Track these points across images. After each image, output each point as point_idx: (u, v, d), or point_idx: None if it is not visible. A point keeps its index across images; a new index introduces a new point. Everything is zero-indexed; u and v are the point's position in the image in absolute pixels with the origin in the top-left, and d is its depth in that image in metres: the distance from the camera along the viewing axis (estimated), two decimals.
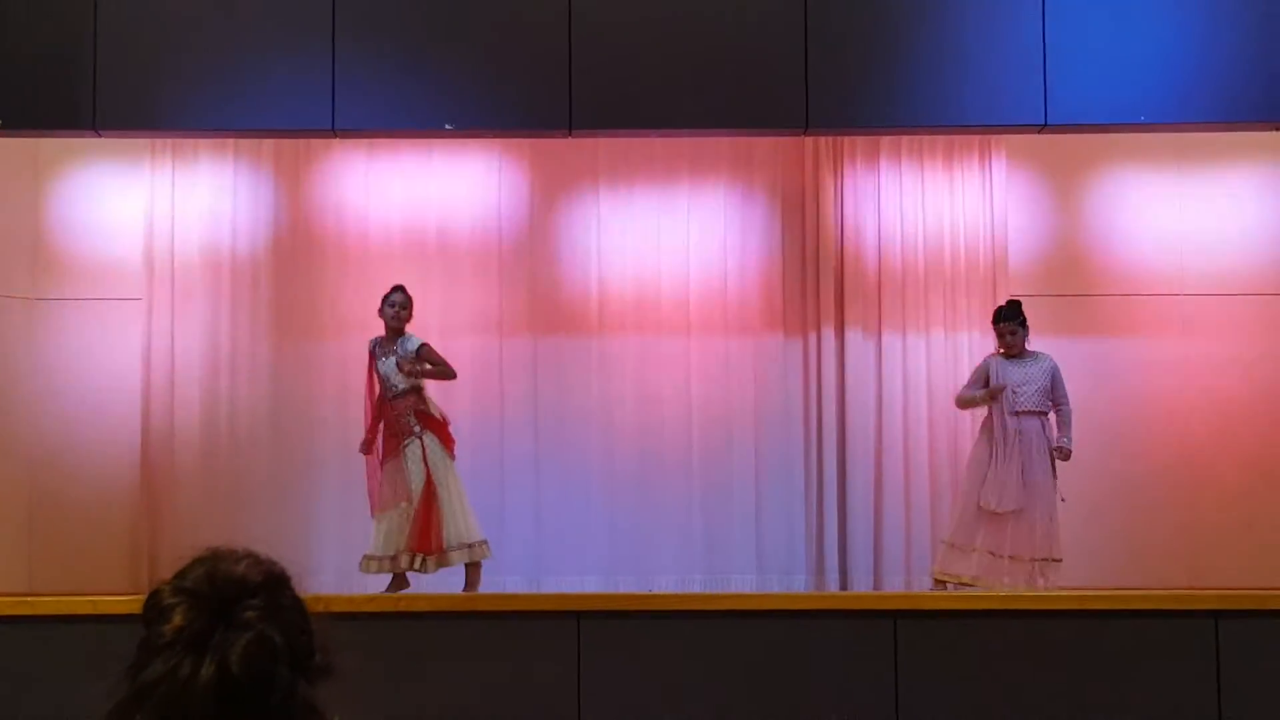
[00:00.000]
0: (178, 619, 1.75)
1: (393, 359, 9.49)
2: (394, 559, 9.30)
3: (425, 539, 9.32)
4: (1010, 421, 9.58)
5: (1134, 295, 11.05)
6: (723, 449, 10.97)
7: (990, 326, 9.98)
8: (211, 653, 1.73)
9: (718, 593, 10.19)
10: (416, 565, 9.32)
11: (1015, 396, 9.59)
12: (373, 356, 9.58)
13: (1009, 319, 9.72)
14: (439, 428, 9.50)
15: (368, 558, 9.38)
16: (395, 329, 9.56)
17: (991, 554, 9.48)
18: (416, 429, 9.42)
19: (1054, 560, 9.50)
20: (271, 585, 1.80)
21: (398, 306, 9.57)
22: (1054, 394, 9.66)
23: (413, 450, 9.39)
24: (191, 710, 1.71)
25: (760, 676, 8.06)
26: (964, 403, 9.93)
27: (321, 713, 1.79)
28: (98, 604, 7.93)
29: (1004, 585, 9.33)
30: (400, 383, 9.46)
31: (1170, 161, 10.97)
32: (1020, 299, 10.00)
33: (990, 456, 9.61)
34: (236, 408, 10.95)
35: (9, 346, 10.80)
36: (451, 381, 9.64)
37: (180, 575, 1.80)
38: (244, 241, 11.05)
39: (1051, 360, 9.77)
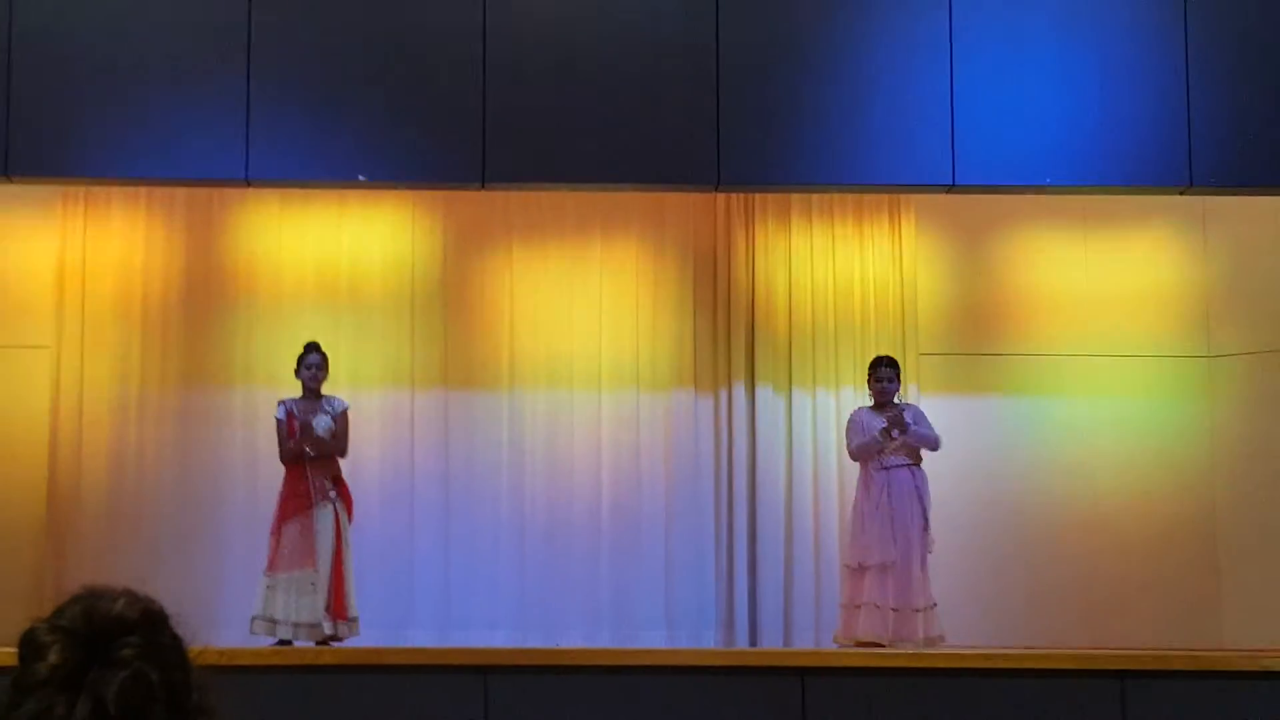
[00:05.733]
0: (53, 657, 1.73)
1: (323, 418, 9.40)
2: (314, 627, 9.18)
3: (339, 606, 9.26)
4: (879, 477, 9.67)
5: (1040, 355, 11.16)
6: (633, 505, 10.98)
7: (865, 383, 10.08)
8: (86, 691, 1.72)
9: (626, 648, 10.16)
10: (340, 633, 9.25)
11: (881, 452, 9.69)
12: (293, 417, 9.45)
13: (890, 365, 9.85)
14: (348, 494, 9.45)
15: (266, 620, 9.23)
16: (314, 389, 9.51)
17: (876, 606, 9.52)
18: (332, 494, 9.37)
19: (931, 606, 9.58)
20: (149, 623, 1.79)
21: (315, 368, 9.52)
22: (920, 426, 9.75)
23: (325, 514, 9.32)
24: None
25: None
26: (863, 450, 9.83)
27: None
28: (2, 655, 7.81)
29: (887, 637, 9.36)
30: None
31: (1077, 222, 11.12)
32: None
33: (860, 513, 9.72)
34: (144, 458, 10.85)
35: None
36: (341, 449, 9.55)
37: (57, 613, 1.79)
38: (155, 290, 10.97)
39: (914, 409, 9.91)
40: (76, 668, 1.73)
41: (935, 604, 9.61)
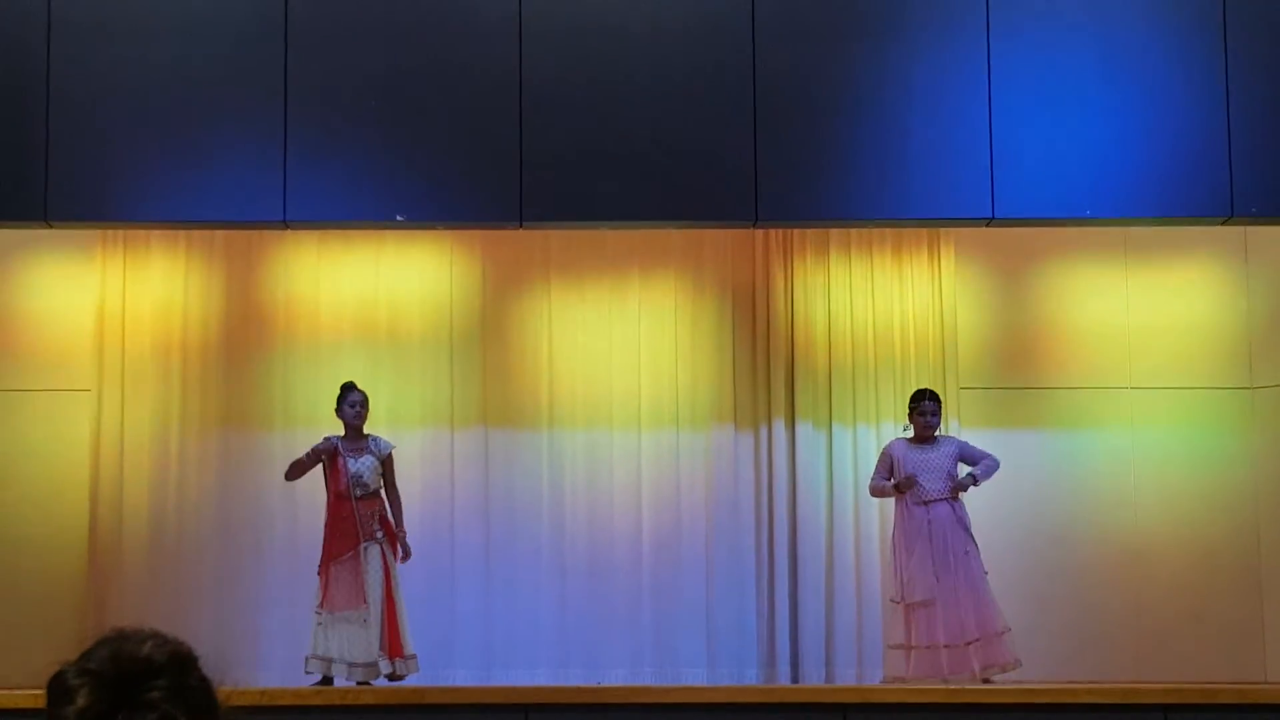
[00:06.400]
0: (81, 700, 1.72)
1: (368, 458, 9.46)
2: (369, 666, 9.19)
3: (395, 644, 9.28)
4: (919, 512, 9.62)
5: (1081, 388, 11.10)
6: (673, 542, 10.95)
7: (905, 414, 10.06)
8: None
9: (668, 685, 10.13)
10: (399, 671, 9.25)
11: (920, 487, 9.63)
12: (338, 454, 9.51)
13: (933, 398, 9.81)
14: (393, 532, 9.47)
15: (320, 659, 9.23)
16: (357, 427, 9.55)
17: (927, 648, 9.45)
18: (379, 534, 9.39)
19: (1001, 632, 9.47)
20: (177, 665, 1.78)
21: (359, 405, 9.57)
22: (971, 458, 9.71)
23: (373, 554, 9.35)
24: None
25: None
26: (875, 493, 10.03)
27: None
28: (41, 698, 7.82)
29: (943, 676, 9.29)
30: (371, 482, 9.44)
31: (1117, 254, 11.07)
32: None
33: (899, 549, 9.66)
34: (184, 500, 10.87)
35: None
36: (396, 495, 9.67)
37: (85, 656, 1.78)
38: (194, 332, 11.01)
39: (955, 441, 9.89)
40: (105, 711, 1.72)
41: (1007, 629, 9.49)
